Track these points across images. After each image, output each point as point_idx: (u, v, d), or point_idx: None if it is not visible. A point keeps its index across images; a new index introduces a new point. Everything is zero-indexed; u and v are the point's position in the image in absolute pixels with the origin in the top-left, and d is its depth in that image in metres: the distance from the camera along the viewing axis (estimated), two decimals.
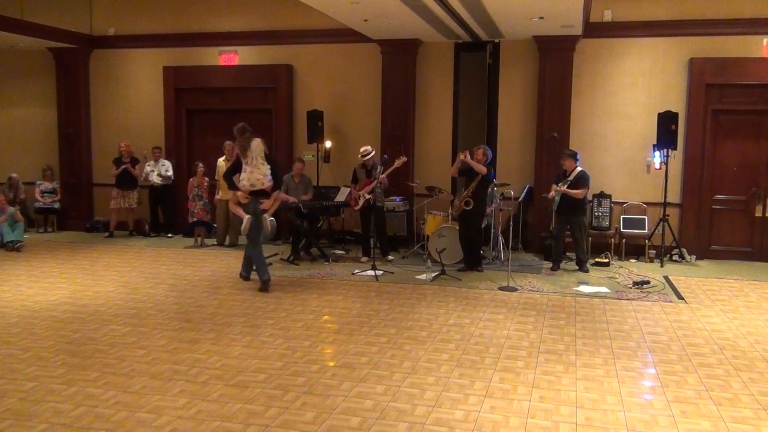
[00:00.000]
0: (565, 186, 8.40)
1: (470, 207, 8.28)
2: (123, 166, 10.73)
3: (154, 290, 7.28)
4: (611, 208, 9.54)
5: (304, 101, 10.81)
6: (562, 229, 8.66)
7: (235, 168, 7.46)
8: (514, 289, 7.45)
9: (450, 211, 9.03)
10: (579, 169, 8.51)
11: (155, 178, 10.71)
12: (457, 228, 8.69)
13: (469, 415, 4.03)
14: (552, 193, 8.57)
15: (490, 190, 8.65)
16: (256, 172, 7.29)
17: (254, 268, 7.51)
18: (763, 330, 6.02)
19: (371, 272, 8.10)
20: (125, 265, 8.65)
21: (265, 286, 7.27)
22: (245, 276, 7.76)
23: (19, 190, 11.27)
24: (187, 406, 4.12)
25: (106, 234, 11.06)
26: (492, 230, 9.14)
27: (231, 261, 9.04)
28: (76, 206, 11.77)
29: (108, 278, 7.87)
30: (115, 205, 10.92)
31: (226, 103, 11.25)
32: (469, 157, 8.29)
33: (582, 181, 8.42)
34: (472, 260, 8.46)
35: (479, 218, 8.40)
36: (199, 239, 10.21)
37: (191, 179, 10.16)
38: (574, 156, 8.59)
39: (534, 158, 9.83)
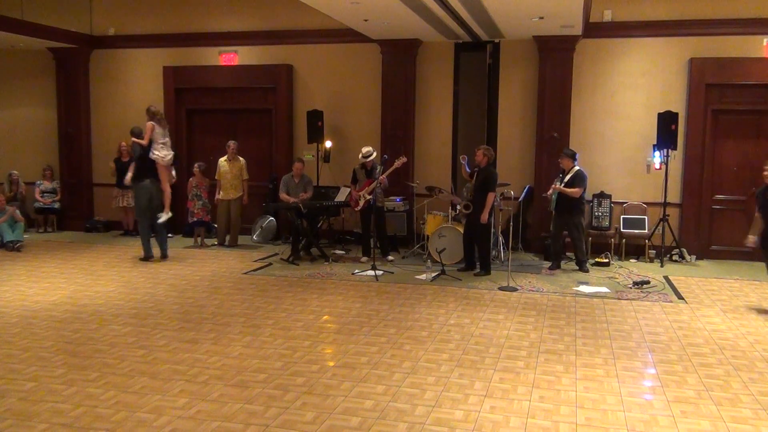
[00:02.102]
0: (561, 185, 8.41)
1: (470, 210, 8.26)
2: (114, 166, 10.78)
3: (154, 290, 7.29)
4: (611, 208, 9.54)
5: (304, 101, 10.82)
6: (560, 228, 8.67)
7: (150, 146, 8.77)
8: (514, 289, 7.45)
9: (454, 212, 9.03)
10: (576, 168, 8.50)
11: None
12: (458, 228, 8.70)
13: (469, 415, 4.03)
14: (550, 192, 8.60)
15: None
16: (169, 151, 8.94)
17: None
18: (763, 330, 6.02)
19: (371, 272, 8.10)
20: (125, 265, 8.66)
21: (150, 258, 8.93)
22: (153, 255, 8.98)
23: (19, 187, 11.29)
24: (187, 406, 4.12)
25: (122, 232, 11.18)
26: (492, 230, 9.13)
27: (231, 261, 9.05)
28: (76, 206, 11.77)
29: (108, 278, 7.87)
30: (116, 204, 10.94)
31: (226, 103, 11.26)
32: (465, 161, 8.46)
33: (578, 180, 8.40)
34: (480, 264, 8.33)
35: (477, 221, 8.19)
36: (199, 239, 10.21)
37: (190, 179, 10.17)
38: (572, 156, 8.57)
39: (534, 158, 9.83)
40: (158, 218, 8.85)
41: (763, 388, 4.57)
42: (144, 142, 8.69)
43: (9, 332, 5.66)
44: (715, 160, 9.56)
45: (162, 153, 8.77)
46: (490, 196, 8.10)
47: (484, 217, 8.09)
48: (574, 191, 8.35)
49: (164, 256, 9.03)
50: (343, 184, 9.54)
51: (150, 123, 8.70)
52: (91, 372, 4.71)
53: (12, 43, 11.07)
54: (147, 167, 8.79)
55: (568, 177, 8.44)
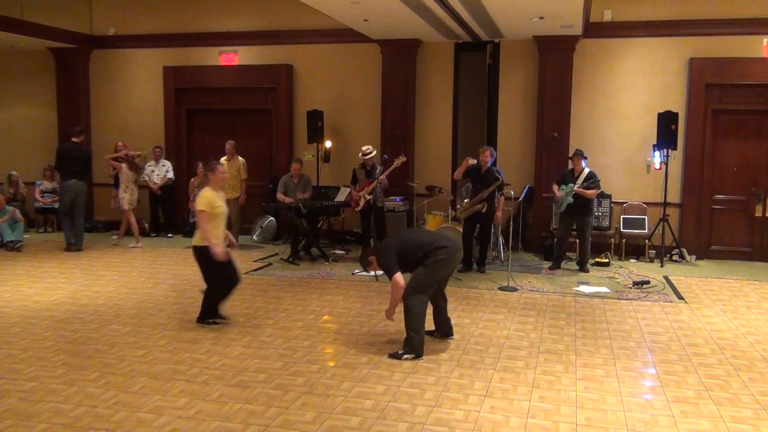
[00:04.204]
0: (576, 186, 8.34)
1: (485, 210, 8.29)
2: (114, 171, 10.66)
3: (154, 290, 7.28)
4: (611, 208, 9.53)
5: (304, 101, 10.81)
6: (568, 229, 8.62)
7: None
8: (514, 289, 7.45)
9: (454, 212, 9.01)
10: (587, 169, 8.47)
11: (155, 179, 10.70)
12: (458, 228, 8.69)
13: (469, 415, 4.03)
14: (559, 194, 8.51)
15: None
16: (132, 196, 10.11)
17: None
18: (763, 330, 6.02)
19: (371, 272, 8.08)
20: (125, 265, 8.65)
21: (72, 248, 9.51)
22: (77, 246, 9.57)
23: (19, 187, 11.29)
24: (187, 406, 4.12)
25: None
26: (492, 230, 9.13)
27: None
28: None
29: (108, 278, 7.87)
30: (115, 205, 10.92)
31: (226, 103, 11.26)
32: (470, 162, 8.23)
33: (595, 181, 8.39)
34: (478, 261, 8.50)
35: (491, 220, 8.44)
36: None
37: (192, 179, 10.17)
38: (584, 156, 8.59)
39: (534, 158, 9.83)
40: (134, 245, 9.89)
41: (763, 388, 4.57)
42: (118, 166, 10.03)
43: (9, 332, 5.66)
44: (715, 160, 9.55)
45: (124, 196, 9.96)
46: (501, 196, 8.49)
47: (499, 215, 8.49)
48: (593, 193, 8.38)
49: (78, 249, 9.60)
50: (343, 184, 9.54)
51: (122, 165, 9.93)
52: (91, 372, 4.71)
53: (12, 43, 11.06)
54: (74, 167, 9.44)
55: (582, 178, 8.41)
